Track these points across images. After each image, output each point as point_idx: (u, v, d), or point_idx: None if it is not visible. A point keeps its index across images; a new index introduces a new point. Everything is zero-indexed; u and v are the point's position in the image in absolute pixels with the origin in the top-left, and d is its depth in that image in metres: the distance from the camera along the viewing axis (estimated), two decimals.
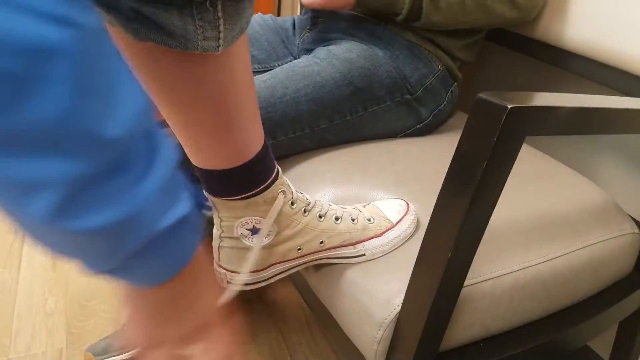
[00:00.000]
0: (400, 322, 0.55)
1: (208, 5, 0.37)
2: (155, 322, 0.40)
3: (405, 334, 0.55)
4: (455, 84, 0.92)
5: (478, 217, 0.47)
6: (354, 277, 0.61)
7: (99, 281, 1.12)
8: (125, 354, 0.89)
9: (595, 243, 0.68)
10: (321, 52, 0.81)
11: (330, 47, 0.83)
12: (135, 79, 0.27)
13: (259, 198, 0.53)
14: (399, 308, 0.55)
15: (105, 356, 0.88)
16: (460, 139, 0.46)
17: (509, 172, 0.45)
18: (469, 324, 0.59)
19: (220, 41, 0.40)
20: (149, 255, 0.32)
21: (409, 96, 0.85)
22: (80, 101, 0.23)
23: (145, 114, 0.27)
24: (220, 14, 0.38)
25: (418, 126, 0.90)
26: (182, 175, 0.33)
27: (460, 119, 1.00)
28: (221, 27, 0.39)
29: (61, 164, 0.24)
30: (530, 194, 0.74)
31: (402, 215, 0.64)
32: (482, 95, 0.44)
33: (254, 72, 0.89)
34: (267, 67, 0.94)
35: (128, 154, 0.27)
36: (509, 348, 0.63)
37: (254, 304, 1.10)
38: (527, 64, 1.07)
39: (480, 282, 0.59)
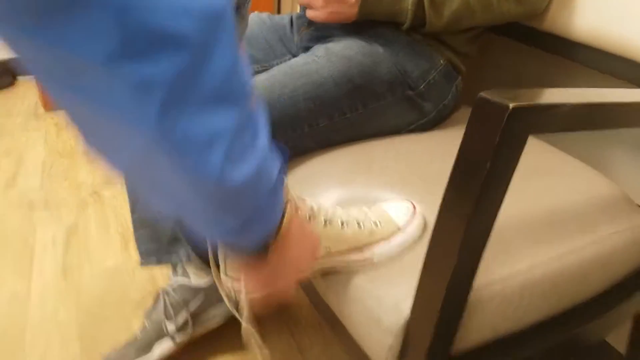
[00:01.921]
0: (410, 328, 0.54)
1: None
2: (266, 284, 0.46)
3: (415, 340, 0.54)
4: (460, 77, 0.90)
5: (483, 221, 0.45)
6: (361, 282, 0.60)
7: (110, 290, 1.12)
8: None
9: (604, 237, 0.66)
10: (319, 50, 0.80)
11: (329, 45, 0.82)
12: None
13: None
14: (408, 313, 0.54)
15: None
16: (462, 141, 0.44)
17: (513, 173, 0.44)
18: (479, 326, 0.58)
19: None
20: (263, 209, 0.35)
21: (410, 92, 0.83)
22: (237, 58, 0.27)
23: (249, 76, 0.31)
24: None
25: (421, 121, 0.88)
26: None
27: (465, 113, 0.98)
28: None
29: (229, 116, 0.28)
30: (538, 189, 0.72)
31: (409, 218, 0.62)
32: (483, 94, 0.43)
33: (253, 72, 0.88)
34: (265, 67, 0.93)
35: (249, 111, 0.30)
36: (522, 348, 0.62)
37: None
38: (534, 55, 1.04)
39: (489, 283, 0.57)
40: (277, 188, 0.36)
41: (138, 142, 0.27)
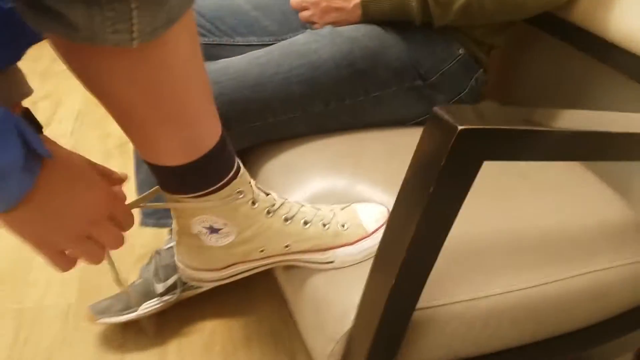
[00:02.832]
0: (352, 338, 0.52)
1: None
2: (38, 233, 0.44)
3: (355, 351, 0.51)
4: (481, 70, 0.83)
5: (425, 244, 0.42)
6: (317, 283, 0.58)
7: None
8: (123, 317, 0.92)
9: (600, 270, 0.60)
10: (325, 28, 0.75)
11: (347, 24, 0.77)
12: None
13: (213, 197, 0.50)
14: (351, 324, 0.51)
15: (104, 315, 0.92)
16: (412, 158, 0.40)
17: (462, 200, 0.40)
18: (432, 346, 0.55)
19: (134, 34, 0.36)
20: None
21: (420, 82, 0.77)
22: None
23: None
24: (134, 5, 0.35)
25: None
26: (11, 121, 0.35)
27: None
28: (134, 20, 0.35)
29: None
30: (540, 207, 0.66)
31: (380, 224, 0.59)
32: (436, 109, 0.38)
33: (264, 44, 0.85)
34: (278, 40, 0.89)
35: None
36: None
37: (259, 276, 1.10)
38: (575, 54, 0.94)
39: (449, 304, 0.54)
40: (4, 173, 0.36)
41: None
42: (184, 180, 0.49)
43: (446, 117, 0.36)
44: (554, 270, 0.59)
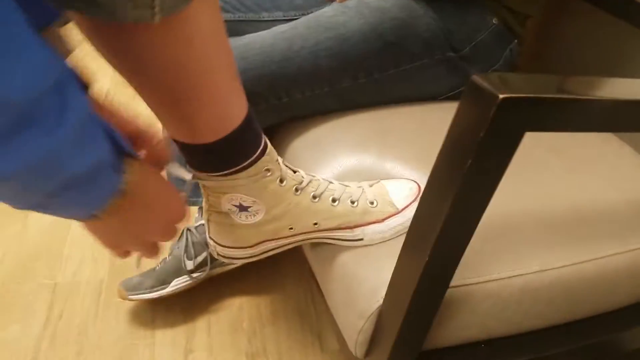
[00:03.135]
0: (382, 316, 0.51)
1: None
2: (115, 238, 0.47)
3: (385, 328, 0.51)
4: (516, 41, 0.80)
5: (461, 222, 0.40)
6: (347, 260, 0.57)
7: None
8: (153, 293, 0.94)
9: (636, 248, 0.58)
10: (353, 0, 0.73)
11: None
12: (34, 40, 0.28)
13: (241, 175, 0.50)
14: (382, 301, 0.51)
15: (134, 292, 0.94)
16: (448, 130, 0.38)
17: (503, 173, 0.38)
18: (466, 324, 0.53)
19: (156, 9, 0.35)
20: (67, 195, 0.35)
21: (452, 54, 0.75)
22: None
23: (45, 74, 0.29)
24: None
25: (464, 88, 0.80)
26: (98, 122, 0.35)
27: None
28: None
29: None
30: (574, 183, 0.63)
31: (410, 201, 0.57)
32: (475, 77, 0.36)
33: (291, 19, 0.83)
34: (304, 14, 0.87)
35: (34, 110, 0.29)
36: (516, 353, 0.57)
37: (287, 255, 1.11)
38: (612, 22, 0.89)
39: (484, 282, 0.52)
40: (91, 174, 0.35)
41: None
42: (212, 158, 0.49)
43: (485, 85, 0.34)
44: (590, 248, 0.57)
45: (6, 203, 0.35)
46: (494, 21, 0.75)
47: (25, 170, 0.30)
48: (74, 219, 0.41)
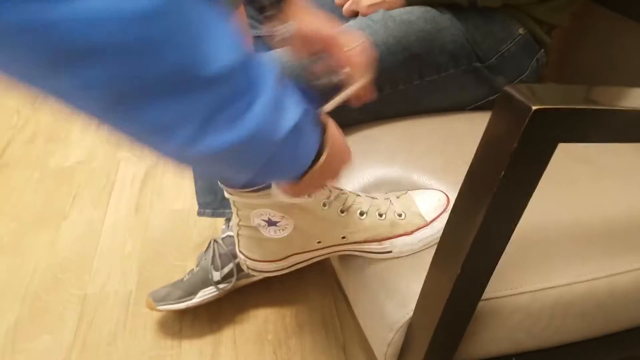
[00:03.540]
0: (412, 328, 0.51)
1: None
2: (305, 189, 0.48)
3: (415, 341, 0.50)
4: (543, 50, 0.79)
5: (494, 234, 0.40)
6: (375, 272, 0.57)
7: (174, 231, 1.19)
8: (181, 304, 0.95)
9: None
10: (378, 13, 0.74)
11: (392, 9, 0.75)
12: (223, 21, 0.30)
13: (270, 191, 0.50)
14: (412, 313, 0.50)
15: (163, 303, 0.95)
16: (480, 142, 0.38)
17: (536, 184, 0.37)
18: (495, 338, 0.53)
19: None
20: (279, 160, 0.37)
21: (478, 64, 0.74)
22: (187, 50, 0.27)
23: (239, 49, 0.31)
24: None
25: (491, 98, 0.79)
26: (287, 86, 0.37)
27: None
28: None
29: (192, 102, 0.29)
30: (606, 193, 0.62)
31: (439, 212, 0.57)
32: (507, 89, 0.36)
33: None
34: None
35: (236, 84, 0.31)
36: None
37: (311, 265, 1.11)
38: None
39: (515, 294, 0.51)
40: (298, 130, 0.37)
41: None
42: None
43: (518, 96, 0.34)
44: (623, 260, 0.55)
45: (229, 182, 0.38)
46: (520, 31, 0.75)
47: (239, 143, 0.32)
48: (287, 181, 0.43)
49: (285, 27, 0.50)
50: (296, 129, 0.37)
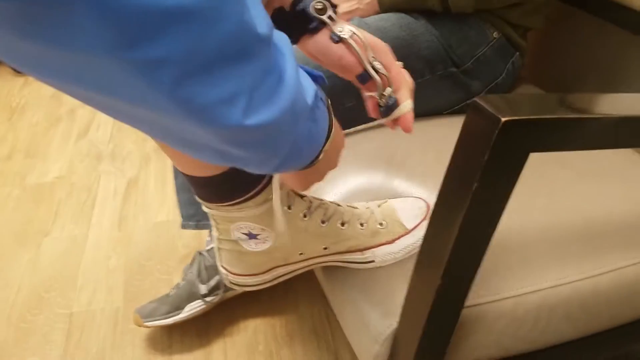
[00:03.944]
0: (398, 338, 0.51)
1: None
2: (311, 179, 0.47)
3: (402, 351, 0.50)
4: (518, 53, 0.80)
5: (471, 242, 0.40)
6: (357, 283, 0.57)
7: (159, 244, 1.18)
8: (169, 319, 0.94)
9: None
10: (352, 21, 0.74)
11: (366, 16, 0.75)
12: None
13: (249, 203, 0.50)
14: (396, 324, 0.50)
15: (150, 319, 0.94)
16: (453, 153, 0.38)
17: (510, 193, 0.38)
18: (482, 344, 0.53)
19: None
20: (301, 140, 0.37)
21: (454, 69, 0.75)
22: (243, 13, 0.26)
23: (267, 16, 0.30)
24: None
25: (468, 102, 0.80)
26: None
27: (525, 92, 0.87)
28: None
29: (246, 71, 0.28)
30: (586, 195, 0.63)
31: (419, 220, 0.57)
32: (477, 100, 0.36)
33: None
34: None
35: (273, 53, 0.30)
36: None
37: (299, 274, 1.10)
38: (614, 32, 0.89)
39: (498, 300, 0.52)
40: (316, 107, 0.37)
41: (156, 114, 0.28)
42: (218, 190, 0.49)
43: (488, 108, 0.34)
44: (604, 260, 0.56)
45: (266, 165, 0.36)
46: (494, 35, 0.75)
47: (284, 113, 0.32)
48: (301, 168, 0.42)
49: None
50: (314, 104, 0.36)
